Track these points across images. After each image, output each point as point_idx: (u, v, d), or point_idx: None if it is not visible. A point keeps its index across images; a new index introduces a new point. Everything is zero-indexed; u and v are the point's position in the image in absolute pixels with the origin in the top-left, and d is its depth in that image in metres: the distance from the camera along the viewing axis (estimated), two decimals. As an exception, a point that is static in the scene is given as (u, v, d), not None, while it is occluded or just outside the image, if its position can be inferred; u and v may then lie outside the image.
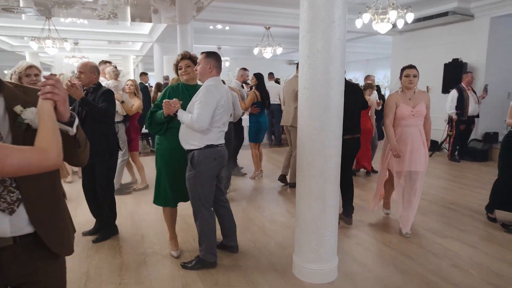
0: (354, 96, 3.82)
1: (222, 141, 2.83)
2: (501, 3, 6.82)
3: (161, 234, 3.57)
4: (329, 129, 2.56)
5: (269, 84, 11.57)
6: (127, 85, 4.76)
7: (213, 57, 2.78)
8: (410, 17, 5.96)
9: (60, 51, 11.75)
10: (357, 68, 17.98)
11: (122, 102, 4.39)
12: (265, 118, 5.79)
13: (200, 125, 2.58)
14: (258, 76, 5.55)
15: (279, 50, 10.49)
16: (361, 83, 7.59)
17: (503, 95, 7.63)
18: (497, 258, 3.18)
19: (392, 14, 5.74)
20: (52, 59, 14.48)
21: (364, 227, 3.88)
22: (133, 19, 8.44)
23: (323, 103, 2.52)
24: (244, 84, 6.11)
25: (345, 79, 3.87)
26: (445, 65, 7.73)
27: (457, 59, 7.55)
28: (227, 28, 11.89)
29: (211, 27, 11.71)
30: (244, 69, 6.13)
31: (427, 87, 8.54)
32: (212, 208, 2.91)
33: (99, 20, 9.00)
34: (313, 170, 2.61)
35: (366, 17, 5.95)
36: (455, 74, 7.28)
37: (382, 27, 6.11)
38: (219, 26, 11.70)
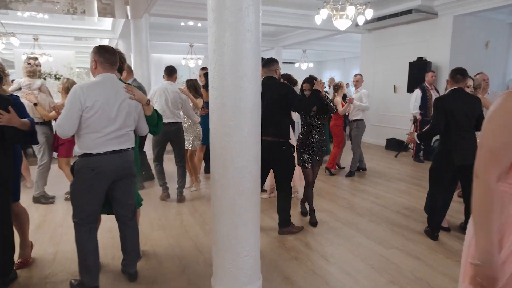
0: (279, 95, 3.45)
1: (107, 149, 2.41)
2: (463, 1, 6.66)
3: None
4: (241, 134, 2.24)
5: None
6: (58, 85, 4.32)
7: (96, 52, 2.43)
8: (369, 13, 5.74)
9: (21, 47, 11.19)
10: (334, 67, 17.84)
11: (35, 104, 3.93)
12: None
13: (59, 131, 2.28)
14: (208, 75, 5.21)
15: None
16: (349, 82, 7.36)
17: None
18: (440, 271, 2.94)
19: (350, 10, 5.48)
20: (13, 55, 13.81)
21: (309, 238, 3.60)
22: (89, 13, 7.98)
23: (233, 105, 2.20)
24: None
25: (275, 77, 3.60)
26: (410, 64, 7.56)
27: (422, 57, 7.38)
28: (199, 25, 11.50)
29: (183, 23, 11.31)
30: (204, 68, 5.79)
31: (394, 86, 8.37)
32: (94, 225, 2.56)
33: (62, 14, 8.51)
34: (225, 181, 2.29)
35: (324, 13, 5.68)
36: (419, 73, 7.10)
37: (342, 24, 5.85)
38: (191, 23, 11.30)
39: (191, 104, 4.68)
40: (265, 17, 7.87)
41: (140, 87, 4.57)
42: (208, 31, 2.24)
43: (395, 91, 8.36)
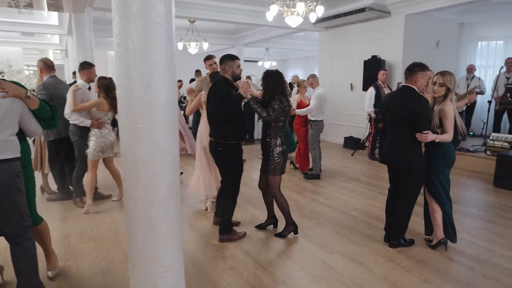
0: (217, 96, 3.25)
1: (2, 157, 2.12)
2: (414, 0, 6.73)
3: None
4: (152, 138, 2.00)
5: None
6: None
7: None
8: (320, 10, 5.63)
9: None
10: (297, 66, 17.85)
11: None
12: None
13: None
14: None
15: (206, 45, 9.88)
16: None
17: (421, 92, 7.63)
18: (380, 276, 2.84)
19: (300, 7, 5.36)
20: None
21: (250, 245, 3.41)
22: (37, 7, 7.39)
23: (141, 106, 1.96)
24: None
25: (226, 76, 3.37)
26: (365, 62, 7.57)
27: (376, 56, 7.42)
28: None
29: None
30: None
31: (351, 84, 8.38)
32: None
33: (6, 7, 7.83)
34: (135, 192, 2.05)
35: (274, 9, 5.53)
36: (373, 71, 7.12)
37: (293, 21, 5.72)
38: None
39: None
40: (219, 14, 7.63)
41: (54, 84, 4.20)
42: (112, 23, 1.98)
43: (352, 89, 8.38)
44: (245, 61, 16.16)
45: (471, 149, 6.33)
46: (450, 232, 3.26)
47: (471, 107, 7.52)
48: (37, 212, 2.64)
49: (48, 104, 2.45)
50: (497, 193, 5.00)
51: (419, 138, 2.99)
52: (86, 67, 4.27)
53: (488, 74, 8.13)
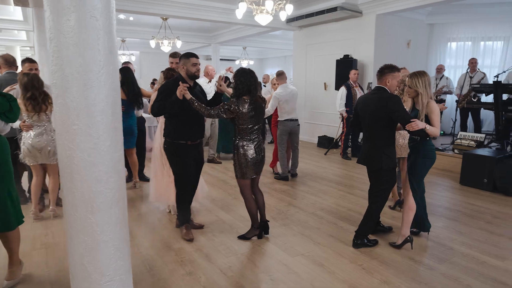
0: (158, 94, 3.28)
1: None
2: (385, 0, 6.78)
3: None
4: (90, 140, 1.87)
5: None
6: None
7: None
8: (290, 8, 5.57)
9: None
10: (275, 65, 17.82)
11: None
12: (134, 119, 4.98)
13: None
14: (125, 71, 4.77)
15: (179, 43, 9.70)
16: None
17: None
18: (341, 279, 2.79)
19: (269, 5, 5.28)
20: None
21: (210, 248, 3.31)
22: (2, 1, 7.03)
23: (77, 105, 1.83)
24: None
25: (181, 73, 3.27)
26: (337, 61, 7.58)
27: (348, 55, 7.44)
28: (131, 18, 10.79)
29: None
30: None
31: (325, 83, 8.39)
32: None
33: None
34: (72, 197, 1.92)
35: (243, 6, 5.43)
36: (346, 70, 7.14)
37: (263, 19, 5.65)
38: (122, 16, 10.56)
39: None
40: (191, 11, 7.48)
41: (9, 80, 3.99)
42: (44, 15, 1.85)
43: (325, 89, 8.39)
44: (222, 60, 16.07)
45: (440, 148, 6.43)
46: (426, 223, 3.45)
47: (440, 106, 7.65)
48: (12, 217, 2.52)
49: (4, 95, 2.31)
50: (463, 191, 5.08)
51: (409, 128, 2.96)
52: (25, 62, 4.05)
53: (457, 74, 8.30)
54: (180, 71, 3.30)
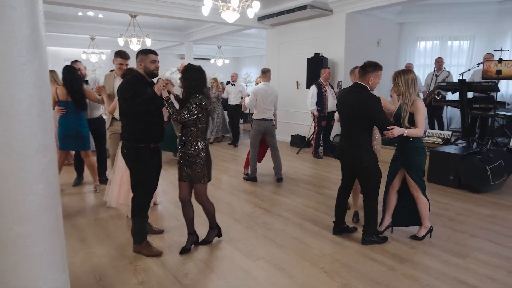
0: (122, 93, 3.00)
1: None
2: (353, -1, 6.79)
3: None
4: (11, 144, 1.70)
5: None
6: None
7: None
8: (257, 5, 5.47)
9: None
10: (251, 64, 17.73)
11: None
12: (81, 121, 4.63)
13: None
14: (67, 70, 4.48)
15: (149, 42, 9.43)
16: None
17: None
18: (300, 283, 2.71)
19: (235, 1, 5.16)
20: None
21: (168, 254, 3.16)
22: None
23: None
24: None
25: (138, 71, 3.09)
26: (308, 59, 7.54)
27: (318, 53, 7.41)
28: (100, 16, 10.43)
29: (80, 13, 10.13)
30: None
31: (297, 82, 8.34)
32: None
33: None
34: (-4, 206, 1.74)
35: (208, 3, 5.29)
36: (317, 69, 7.09)
37: (229, 16, 5.52)
38: (91, 13, 10.19)
39: None
40: (158, 8, 7.27)
41: None
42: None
43: (297, 87, 8.34)
44: (196, 59, 15.83)
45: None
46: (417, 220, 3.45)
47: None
48: None
49: None
50: (429, 188, 5.08)
51: (387, 135, 3.01)
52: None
53: (426, 73, 8.41)
54: (138, 69, 3.07)
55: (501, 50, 5.59)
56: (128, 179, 3.61)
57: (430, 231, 3.43)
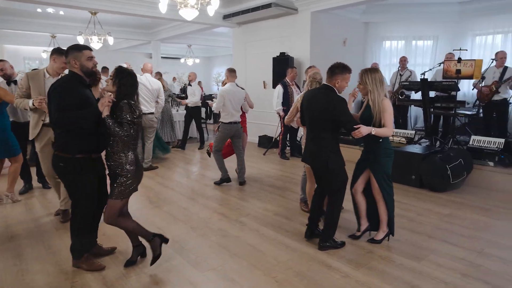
0: (54, 100, 2.67)
1: None
2: (318, -3, 6.72)
3: None
4: None
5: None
6: None
7: None
8: (216, 3, 5.27)
9: None
10: (223, 63, 17.48)
11: None
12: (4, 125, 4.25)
13: None
14: None
15: (111, 40, 9.06)
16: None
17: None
18: (248, 295, 2.55)
19: (192, -1, 4.96)
20: None
21: (112, 268, 2.93)
22: None
23: None
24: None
25: (74, 71, 2.79)
26: (274, 59, 7.42)
27: (284, 53, 7.31)
28: (61, 12, 9.93)
29: (39, 10, 9.61)
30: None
31: (264, 82, 8.21)
32: None
33: None
34: None
35: (164, 2, 5.05)
36: (282, 68, 6.99)
37: (188, 13, 5.30)
38: (51, 10, 9.68)
39: None
40: (116, 5, 6.95)
41: None
42: None
43: (264, 87, 8.21)
44: (166, 58, 15.46)
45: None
46: (392, 227, 3.32)
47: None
48: None
49: None
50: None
51: (354, 136, 2.93)
52: None
53: (392, 72, 8.48)
54: (72, 68, 2.73)
55: (460, 50, 5.64)
56: None
57: (388, 234, 3.34)
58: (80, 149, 2.68)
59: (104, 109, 2.54)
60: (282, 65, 7.08)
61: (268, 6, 6.85)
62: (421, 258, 3.07)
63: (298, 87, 6.80)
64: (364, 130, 2.91)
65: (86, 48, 2.75)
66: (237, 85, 5.17)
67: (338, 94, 3.08)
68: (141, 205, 4.44)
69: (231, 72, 5.10)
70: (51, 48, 12.23)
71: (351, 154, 6.71)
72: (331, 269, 2.90)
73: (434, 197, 4.66)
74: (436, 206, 4.32)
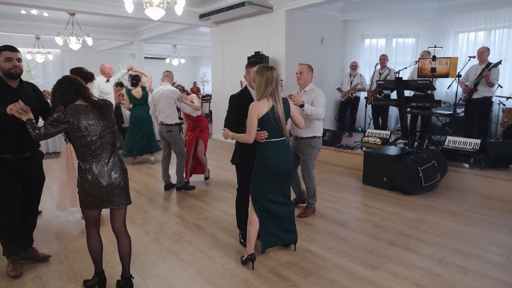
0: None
1: None
2: (293, -5, 6.57)
3: None
4: None
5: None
6: None
7: None
8: (182, 2, 5.11)
9: None
10: (210, 63, 17.31)
11: None
12: None
13: None
14: None
15: (89, 41, 8.89)
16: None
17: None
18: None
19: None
20: None
21: (50, 274, 2.77)
22: None
23: None
24: None
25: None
26: (248, 58, 7.25)
27: (258, 52, 7.16)
28: (45, 14, 9.76)
29: (24, 11, 9.44)
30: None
31: (241, 82, 8.04)
32: None
33: None
34: None
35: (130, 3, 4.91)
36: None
37: (154, 13, 5.15)
38: (34, 12, 9.51)
39: None
40: (90, 5, 6.79)
41: None
42: None
43: (241, 87, 8.04)
44: (151, 58, 15.30)
45: (352, 146, 6.34)
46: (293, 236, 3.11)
47: (354, 103, 7.64)
48: None
49: None
50: (363, 191, 4.94)
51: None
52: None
53: (372, 71, 8.35)
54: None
55: (434, 47, 5.51)
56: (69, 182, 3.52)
57: (250, 259, 2.85)
58: None
59: (19, 115, 2.39)
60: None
61: (242, 4, 6.69)
62: (376, 266, 2.91)
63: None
64: (225, 133, 2.92)
65: (6, 48, 2.60)
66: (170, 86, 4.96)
67: (248, 90, 3.13)
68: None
69: (166, 73, 5.05)
70: (35, 50, 12.14)
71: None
72: (279, 278, 2.74)
73: (404, 201, 4.51)
74: (404, 210, 4.17)
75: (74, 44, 8.74)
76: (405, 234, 3.54)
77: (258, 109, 2.70)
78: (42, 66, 13.75)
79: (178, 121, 4.82)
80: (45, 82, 13.48)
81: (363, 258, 3.06)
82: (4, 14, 9.55)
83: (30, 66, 11.87)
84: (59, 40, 8.85)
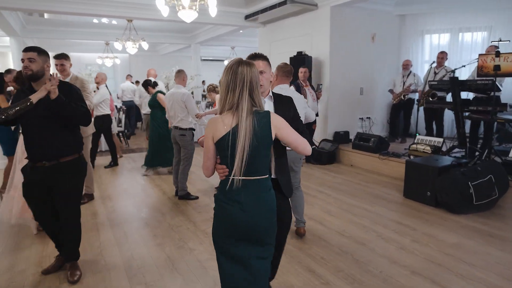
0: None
1: None
2: (338, -10, 6.14)
3: None
4: None
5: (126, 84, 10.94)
6: None
7: None
8: (213, 3, 5.07)
9: None
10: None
11: None
12: None
13: None
14: None
15: (145, 45, 9.40)
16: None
17: (352, 90, 7.00)
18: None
19: (185, 1, 4.82)
20: None
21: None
22: None
23: None
24: None
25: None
26: (290, 59, 6.96)
27: (301, 52, 6.82)
28: (114, 22, 10.67)
29: (96, 20, 10.42)
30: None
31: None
32: None
33: None
34: None
35: (160, 3, 4.99)
36: (298, 69, 6.52)
37: (187, 15, 5.19)
38: (105, 20, 10.47)
39: None
40: (119, 9, 7.05)
41: None
42: None
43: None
44: (209, 60, 15.71)
45: (400, 153, 5.72)
46: None
47: (408, 105, 6.89)
48: None
49: None
50: (401, 206, 4.38)
51: None
52: None
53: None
54: None
55: (499, 41, 4.68)
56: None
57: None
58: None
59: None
60: (298, 65, 6.61)
61: (283, 3, 6.44)
62: (385, 298, 2.51)
63: (313, 88, 6.29)
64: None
65: (23, 50, 2.70)
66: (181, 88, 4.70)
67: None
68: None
69: (176, 73, 4.77)
70: (105, 55, 13.24)
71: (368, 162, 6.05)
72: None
73: (448, 220, 3.88)
74: (443, 232, 3.58)
75: (131, 48, 9.30)
76: (434, 261, 3.01)
77: (213, 129, 1.68)
78: (112, 70, 14.99)
79: (192, 126, 4.73)
80: (114, 85, 14.61)
81: (372, 286, 2.66)
82: (78, 23, 10.54)
83: (91, 70, 12.86)
84: (118, 45, 9.50)
